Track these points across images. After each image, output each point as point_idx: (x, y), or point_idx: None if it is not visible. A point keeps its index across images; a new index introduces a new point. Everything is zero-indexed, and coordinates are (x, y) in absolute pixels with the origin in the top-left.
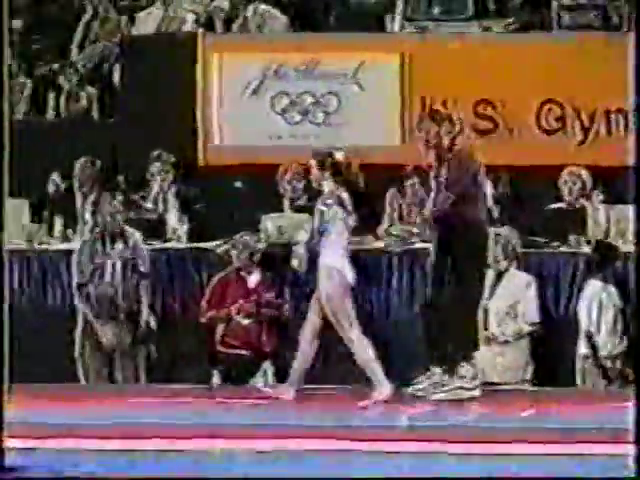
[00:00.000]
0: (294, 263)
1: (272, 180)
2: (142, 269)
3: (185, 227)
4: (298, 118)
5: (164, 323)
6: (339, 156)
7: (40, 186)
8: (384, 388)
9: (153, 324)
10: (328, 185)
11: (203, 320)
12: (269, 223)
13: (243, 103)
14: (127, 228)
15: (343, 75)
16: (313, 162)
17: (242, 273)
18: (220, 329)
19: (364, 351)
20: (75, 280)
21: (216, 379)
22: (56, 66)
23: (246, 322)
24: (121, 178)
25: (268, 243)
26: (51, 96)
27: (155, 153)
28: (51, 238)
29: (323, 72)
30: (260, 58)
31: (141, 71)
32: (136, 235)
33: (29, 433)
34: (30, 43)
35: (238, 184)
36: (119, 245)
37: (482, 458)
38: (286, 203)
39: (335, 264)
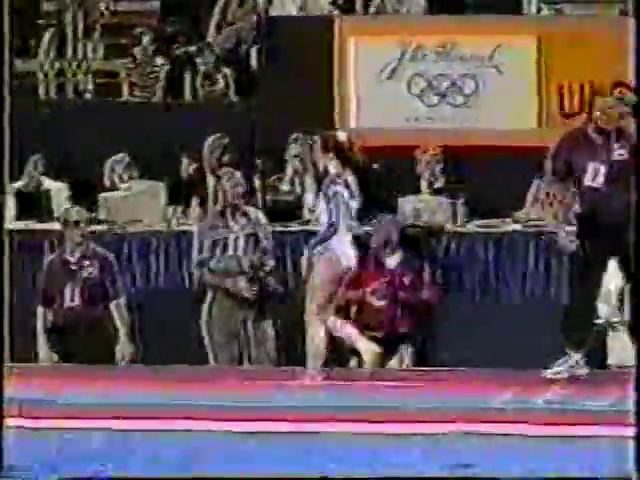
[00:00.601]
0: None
1: (409, 162)
2: (265, 244)
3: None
4: (435, 100)
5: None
6: (342, 137)
7: (176, 168)
8: (315, 377)
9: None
10: (334, 166)
11: (340, 302)
12: (407, 205)
13: (380, 86)
14: (248, 207)
15: (480, 58)
16: (317, 145)
17: (380, 255)
18: (354, 310)
19: (318, 337)
20: (195, 256)
21: (353, 361)
22: (193, 48)
23: (380, 304)
24: (259, 160)
25: (406, 225)
26: (188, 78)
27: (293, 136)
28: (188, 219)
29: (460, 54)
30: (397, 40)
31: (278, 53)
32: (258, 212)
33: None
34: (167, 25)
35: (375, 166)
36: (241, 220)
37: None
38: (424, 185)
39: (335, 249)
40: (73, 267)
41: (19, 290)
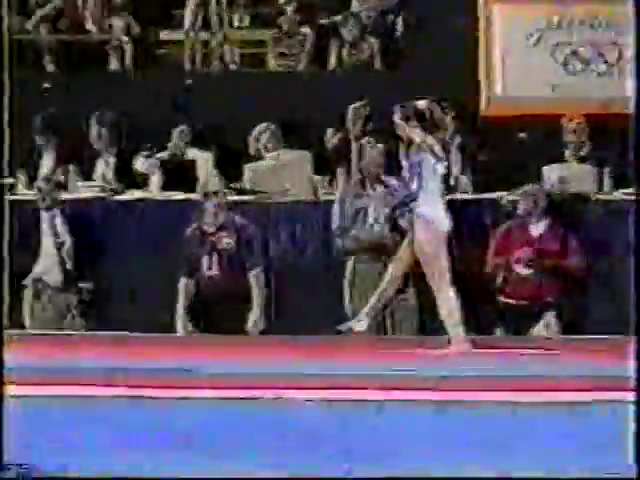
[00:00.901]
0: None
1: (554, 130)
2: (402, 210)
3: (468, 178)
4: (579, 68)
5: None
6: (421, 105)
7: (322, 137)
8: (461, 345)
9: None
10: (417, 135)
11: (488, 270)
12: (552, 173)
13: (525, 54)
14: (388, 177)
15: (625, 26)
16: (396, 116)
17: (526, 223)
18: (500, 279)
19: (449, 304)
20: (337, 224)
21: (498, 331)
22: (339, 17)
23: (526, 272)
24: None
25: (551, 193)
26: (333, 47)
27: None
28: (332, 188)
29: (604, 22)
30: (542, 9)
31: (423, 21)
32: (396, 182)
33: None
34: None
35: (522, 135)
36: (379, 189)
37: None
38: (568, 153)
39: (428, 214)
40: (211, 237)
41: (164, 260)
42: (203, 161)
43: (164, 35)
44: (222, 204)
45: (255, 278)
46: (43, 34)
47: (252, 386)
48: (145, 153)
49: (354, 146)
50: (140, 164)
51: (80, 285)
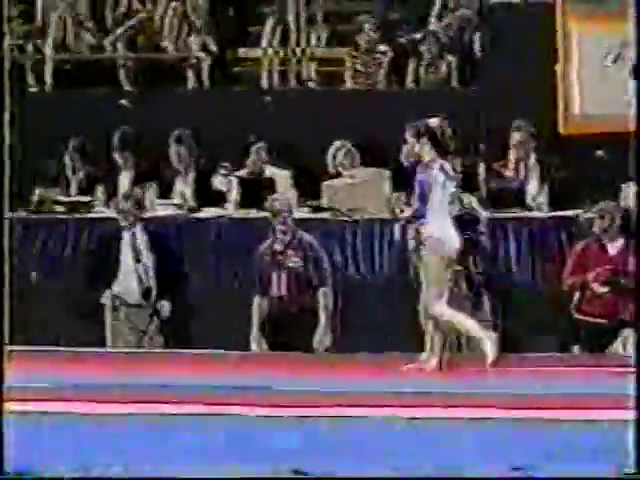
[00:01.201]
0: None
1: (633, 148)
2: (480, 227)
3: (545, 196)
4: None
5: (515, 291)
6: (433, 123)
7: (398, 155)
8: (428, 363)
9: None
10: (427, 153)
11: (564, 288)
12: (630, 191)
13: (602, 71)
14: (462, 193)
15: None
16: (409, 134)
17: (603, 241)
18: (577, 297)
19: (450, 320)
20: (412, 241)
21: (576, 349)
22: (417, 35)
23: (602, 290)
24: (482, 146)
25: (627, 211)
26: (411, 65)
27: (515, 123)
28: (408, 206)
29: None
30: (620, 26)
31: (501, 39)
32: (471, 197)
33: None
34: (390, 12)
35: (599, 153)
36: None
37: None
38: None
39: (435, 232)
40: (280, 256)
41: (238, 278)
42: (281, 179)
43: (242, 53)
44: (289, 222)
45: (323, 296)
46: (120, 52)
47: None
48: (223, 171)
49: None
50: (218, 182)
51: (159, 304)
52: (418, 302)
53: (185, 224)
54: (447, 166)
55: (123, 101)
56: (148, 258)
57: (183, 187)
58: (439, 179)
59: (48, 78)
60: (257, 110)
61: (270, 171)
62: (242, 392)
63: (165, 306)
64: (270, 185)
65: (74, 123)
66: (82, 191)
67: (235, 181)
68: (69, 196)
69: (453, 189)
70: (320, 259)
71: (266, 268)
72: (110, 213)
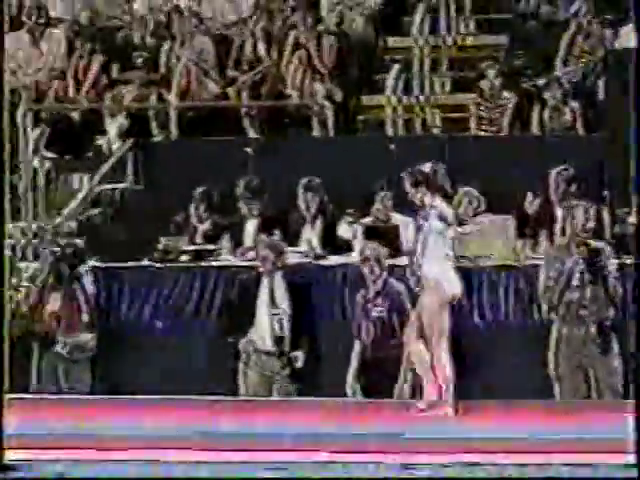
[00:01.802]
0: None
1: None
2: (611, 277)
3: None
4: None
5: None
6: (426, 168)
7: (521, 201)
8: (449, 408)
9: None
10: (426, 198)
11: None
12: None
13: None
14: (593, 240)
15: None
16: (407, 183)
17: None
18: None
19: (445, 368)
20: (542, 288)
21: None
22: (541, 81)
23: None
24: (607, 192)
25: None
26: (536, 111)
27: None
28: (535, 253)
29: None
30: None
31: (626, 86)
32: (603, 244)
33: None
34: (514, 58)
35: None
36: (584, 252)
37: None
38: None
39: (434, 276)
40: (368, 304)
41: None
42: (406, 226)
43: (366, 100)
44: (377, 271)
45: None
46: (245, 100)
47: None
48: (348, 218)
49: (558, 209)
50: (343, 230)
51: (293, 354)
52: (547, 349)
53: (312, 271)
54: (446, 210)
55: (248, 149)
56: (284, 305)
57: (310, 235)
58: (438, 224)
59: (173, 127)
60: (382, 157)
61: (395, 218)
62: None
63: (299, 356)
64: (395, 232)
65: (199, 171)
66: (208, 239)
67: (360, 229)
68: (195, 244)
69: (452, 234)
70: (405, 308)
71: (359, 315)
72: (236, 261)
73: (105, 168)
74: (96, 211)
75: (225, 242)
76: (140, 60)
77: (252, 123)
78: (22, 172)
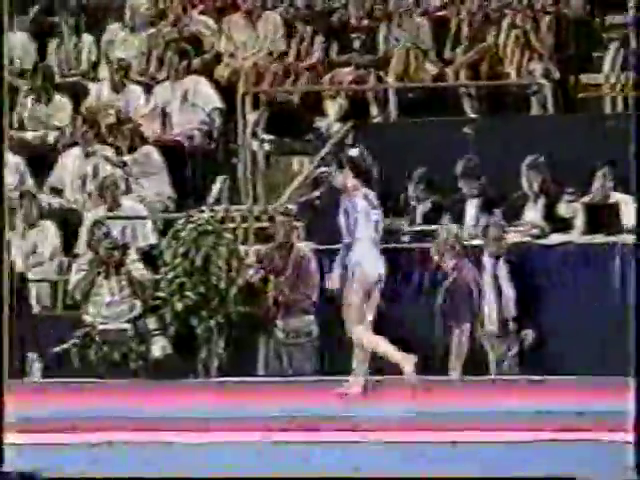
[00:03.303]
0: (328, 284)
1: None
2: None
3: None
4: None
5: None
6: (354, 152)
7: None
8: (356, 385)
9: None
10: (350, 182)
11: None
12: None
13: None
14: None
15: None
16: (332, 166)
17: None
18: None
19: (362, 347)
20: None
21: None
22: None
23: None
24: None
25: None
26: None
27: None
28: None
29: None
30: None
31: None
32: None
33: None
34: None
35: None
36: None
37: None
38: None
39: (358, 259)
40: None
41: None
42: (626, 204)
43: (585, 78)
44: None
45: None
46: (463, 80)
47: None
48: (568, 197)
49: None
50: (563, 208)
51: (523, 332)
52: None
53: (534, 251)
54: (371, 195)
55: (466, 129)
56: (509, 287)
57: (533, 213)
58: (363, 208)
59: (392, 108)
60: (602, 136)
61: (615, 197)
62: None
63: (529, 334)
64: (616, 211)
65: (418, 152)
66: (427, 220)
67: (580, 207)
68: (414, 225)
69: (376, 217)
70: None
71: None
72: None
73: (324, 150)
74: (317, 193)
75: (445, 222)
76: (357, 42)
77: (471, 103)
78: (241, 155)
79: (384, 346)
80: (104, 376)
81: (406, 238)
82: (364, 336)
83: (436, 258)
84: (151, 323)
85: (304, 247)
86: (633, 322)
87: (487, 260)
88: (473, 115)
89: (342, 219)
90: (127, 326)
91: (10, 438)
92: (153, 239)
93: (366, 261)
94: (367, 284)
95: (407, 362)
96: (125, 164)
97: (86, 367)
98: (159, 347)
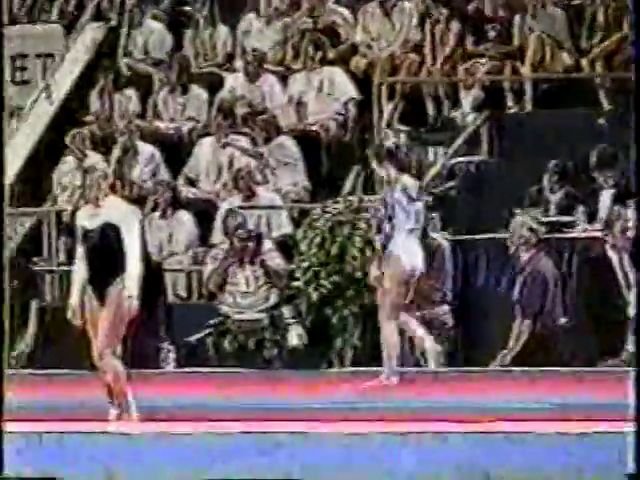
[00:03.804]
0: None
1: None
2: None
3: None
4: None
5: None
6: (389, 143)
7: None
8: (392, 377)
9: None
10: (390, 173)
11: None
12: None
13: None
14: None
15: None
16: (371, 159)
17: None
18: None
19: (391, 337)
20: None
21: None
22: None
23: None
24: None
25: None
26: None
27: None
28: None
29: None
30: None
31: None
32: None
33: None
34: None
35: None
36: None
37: None
38: None
39: (395, 250)
40: None
41: None
42: None
43: None
44: None
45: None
46: (598, 71)
47: None
48: None
49: None
50: None
51: None
52: None
53: None
54: (410, 185)
55: (601, 120)
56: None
57: None
58: (403, 200)
59: (527, 99)
60: None
61: None
62: None
63: None
64: None
65: (553, 143)
66: (562, 211)
67: None
68: (548, 216)
69: (416, 208)
70: None
71: None
72: (593, 233)
73: (459, 141)
74: (451, 183)
75: (580, 214)
76: (493, 32)
77: (606, 94)
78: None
79: (422, 332)
80: (239, 365)
81: (541, 228)
82: (392, 329)
83: (512, 250)
84: (287, 312)
85: (439, 237)
86: None
87: (612, 254)
88: (608, 106)
89: (382, 209)
90: (262, 315)
91: (146, 427)
92: (288, 229)
93: (402, 251)
94: (404, 274)
95: (434, 351)
96: (262, 155)
97: (221, 356)
98: (296, 335)
